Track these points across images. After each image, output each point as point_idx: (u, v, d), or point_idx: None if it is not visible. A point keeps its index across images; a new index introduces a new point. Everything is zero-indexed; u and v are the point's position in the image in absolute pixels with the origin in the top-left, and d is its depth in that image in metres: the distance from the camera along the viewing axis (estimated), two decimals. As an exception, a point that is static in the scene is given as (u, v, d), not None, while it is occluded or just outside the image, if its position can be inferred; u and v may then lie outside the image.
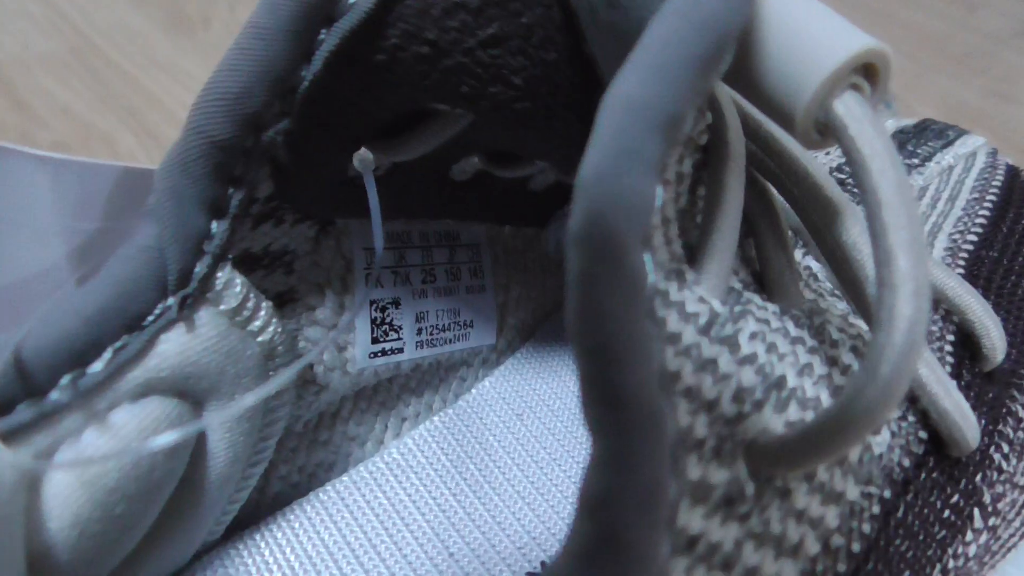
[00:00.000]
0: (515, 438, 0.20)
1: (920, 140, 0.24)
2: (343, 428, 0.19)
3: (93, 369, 0.13)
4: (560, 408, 0.21)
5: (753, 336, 0.11)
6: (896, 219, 0.09)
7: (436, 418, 0.20)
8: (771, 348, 0.12)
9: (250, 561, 0.17)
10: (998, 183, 0.22)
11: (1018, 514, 0.17)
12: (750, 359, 0.11)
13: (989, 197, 0.22)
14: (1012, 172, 0.23)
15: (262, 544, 0.17)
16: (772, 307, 0.13)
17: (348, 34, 0.13)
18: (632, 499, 0.08)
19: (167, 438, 0.12)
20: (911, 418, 0.14)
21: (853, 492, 0.12)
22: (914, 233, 0.09)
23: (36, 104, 0.33)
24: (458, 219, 0.20)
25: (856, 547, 0.12)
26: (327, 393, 0.18)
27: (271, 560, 0.17)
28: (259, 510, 0.18)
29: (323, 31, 0.13)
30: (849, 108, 0.10)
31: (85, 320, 0.13)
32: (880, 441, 0.13)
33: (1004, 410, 0.17)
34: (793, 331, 0.12)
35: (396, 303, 0.19)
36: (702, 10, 0.09)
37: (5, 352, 0.12)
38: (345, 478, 0.19)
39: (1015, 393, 0.17)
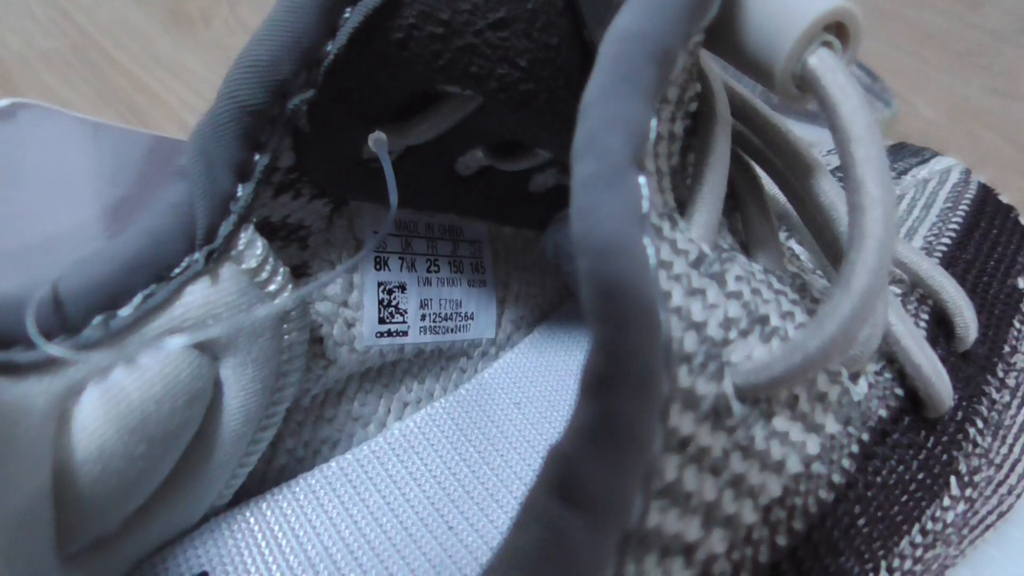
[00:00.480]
0: (513, 425, 0.21)
1: (897, 157, 0.25)
2: (348, 407, 0.20)
3: (123, 313, 0.14)
4: (557, 401, 0.22)
5: (739, 278, 0.12)
6: (865, 152, 0.10)
7: (438, 403, 0.21)
8: (755, 292, 0.13)
9: (256, 528, 0.17)
10: (970, 196, 0.24)
11: (995, 492, 0.18)
12: (736, 295, 0.12)
13: (962, 207, 0.23)
14: (985, 188, 0.24)
15: (268, 512, 0.18)
16: (757, 266, 0.14)
17: (371, 12, 0.14)
18: (628, 381, 0.09)
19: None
20: (888, 375, 0.15)
21: (833, 427, 0.13)
22: (881, 164, 0.10)
23: (38, 101, 0.34)
24: (461, 214, 0.21)
25: (837, 478, 0.13)
26: (334, 369, 0.18)
27: (276, 528, 0.17)
28: (265, 481, 0.18)
29: (348, 9, 0.14)
30: (822, 61, 0.11)
31: (119, 266, 0.14)
32: (859, 390, 0.14)
33: (979, 390, 0.18)
34: (776, 284, 0.13)
35: (402, 287, 0.20)
36: (691, -45, 0.10)
37: (40, 292, 0.13)
38: (348, 455, 0.19)
39: (989, 378, 0.18)
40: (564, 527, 0.09)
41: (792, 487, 0.12)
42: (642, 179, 0.10)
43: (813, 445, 0.12)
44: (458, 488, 0.19)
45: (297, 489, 0.18)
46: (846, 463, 0.13)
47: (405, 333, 0.20)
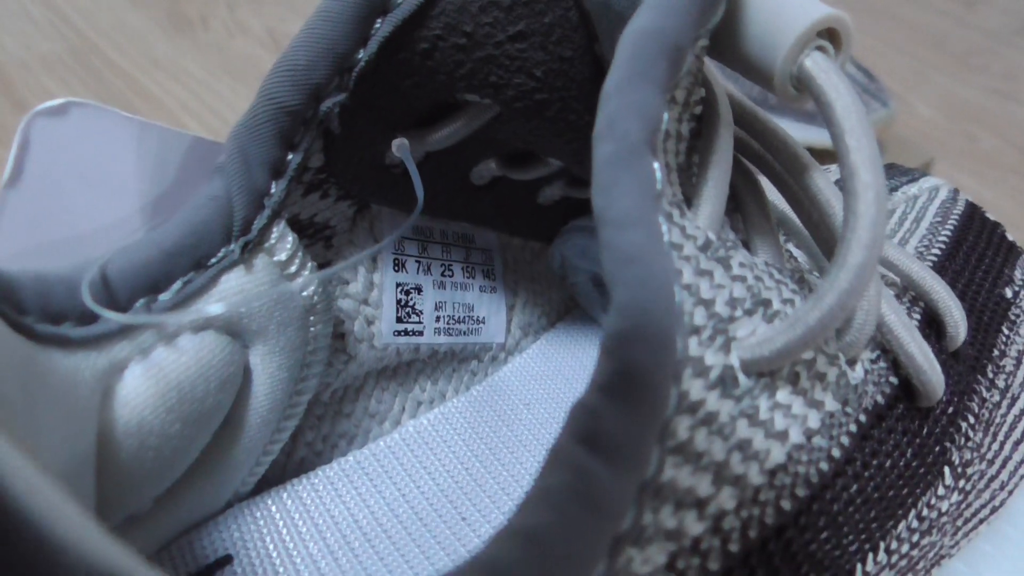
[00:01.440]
0: (522, 424, 0.22)
1: (888, 176, 0.26)
2: (365, 404, 0.20)
3: (163, 297, 0.15)
4: (564, 402, 0.23)
5: (742, 265, 0.13)
6: (858, 142, 0.12)
7: (450, 403, 0.22)
8: (758, 279, 0.14)
9: (277, 516, 0.18)
10: (959, 212, 0.25)
11: (987, 486, 0.19)
12: (741, 278, 0.13)
13: (951, 221, 0.24)
14: (972, 206, 0.26)
15: (288, 502, 0.18)
16: (758, 259, 0.15)
17: (400, 23, 0.15)
18: (645, 339, 0.10)
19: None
20: (883, 363, 0.15)
21: (832, 405, 0.13)
22: (872, 153, 0.11)
23: (37, 105, 0.34)
24: (474, 223, 0.22)
25: (836, 453, 0.13)
26: (354, 364, 0.19)
27: (296, 516, 0.18)
28: (285, 473, 0.19)
29: (379, 20, 0.15)
30: (817, 63, 0.12)
31: (161, 253, 0.15)
32: (855, 375, 0.15)
33: (970, 388, 0.18)
34: (777, 275, 0.14)
35: (418, 289, 0.20)
36: (699, -37, 0.11)
37: (89, 272, 0.14)
38: (365, 449, 0.20)
39: (979, 377, 0.19)
40: (589, 471, 0.09)
41: (795, 455, 0.12)
42: (656, 163, 0.11)
43: (814, 419, 0.13)
44: (470, 481, 0.20)
45: (316, 480, 0.19)
46: (844, 440, 0.14)
47: (421, 333, 0.21)
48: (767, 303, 0.13)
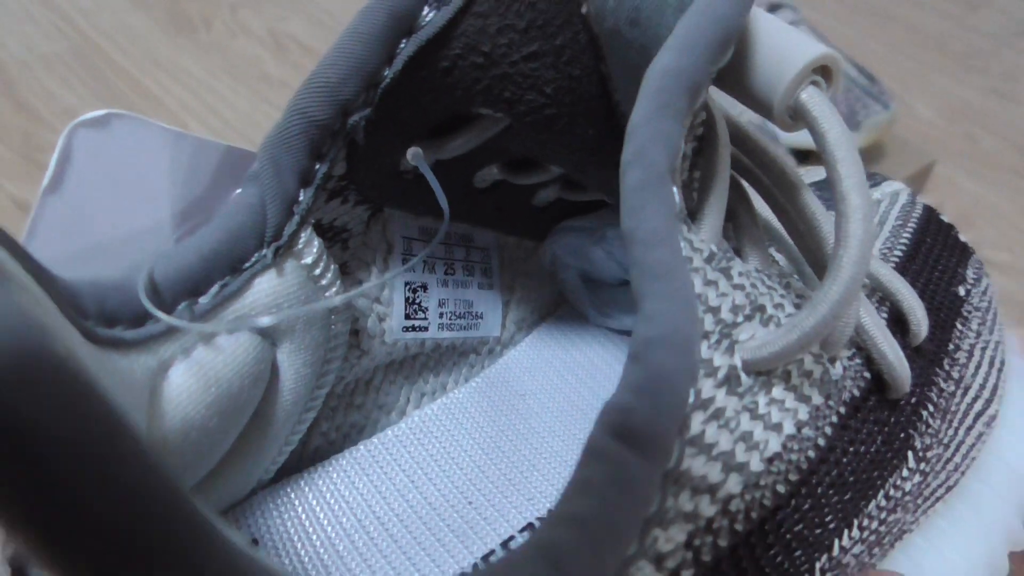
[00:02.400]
0: (517, 413, 0.23)
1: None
2: (374, 396, 0.21)
3: (203, 300, 0.16)
4: (556, 392, 0.24)
5: (740, 274, 0.15)
6: (848, 169, 0.13)
7: (452, 394, 0.23)
8: (754, 286, 0.15)
9: (297, 502, 0.19)
10: (917, 215, 0.27)
11: (944, 468, 0.21)
12: (740, 287, 0.14)
13: (910, 225, 0.26)
14: (929, 209, 0.28)
15: (306, 489, 0.19)
16: (750, 266, 0.16)
17: (423, 43, 0.16)
18: (673, 346, 0.11)
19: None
20: (858, 360, 0.17)
21: (817, 399, 0.15)
22: (861, 179, 0.13)
23: (39, 105, 0.34)
24: (474, 223, 0.23)
25: (821, 442, 0.15)
26: (367, 359, 0.20)
27: (314, 502, 0.19)
28: (302, 461, 0.20)
29: (404, 40, 0.16)
30: (811, 97, 0.14)
31: (200, 259, 0.16)
32: (836, 371, 0.16)
33: (930, 380, 0.20)
34: (767, 281, 0.16)
35: (424, 287, 0.22)
36: (716, 12, 0.12)
37: (141, 278, 0.15)
38: (375, 439, 0.21)
39: (937, 369, 0.21)
40: (623, 462, 0.11)
41: (788, 445, 0.14)
42: (674, 188, 0.13)
43: (803, 412, 0.15)
44: (474, 468, 0.21)
45: (331, 469, 0.20)
46: (828, 430, 0.15)
47: (426, 328, 0.22)
48: (762, 308, 0.15)
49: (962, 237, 0.28)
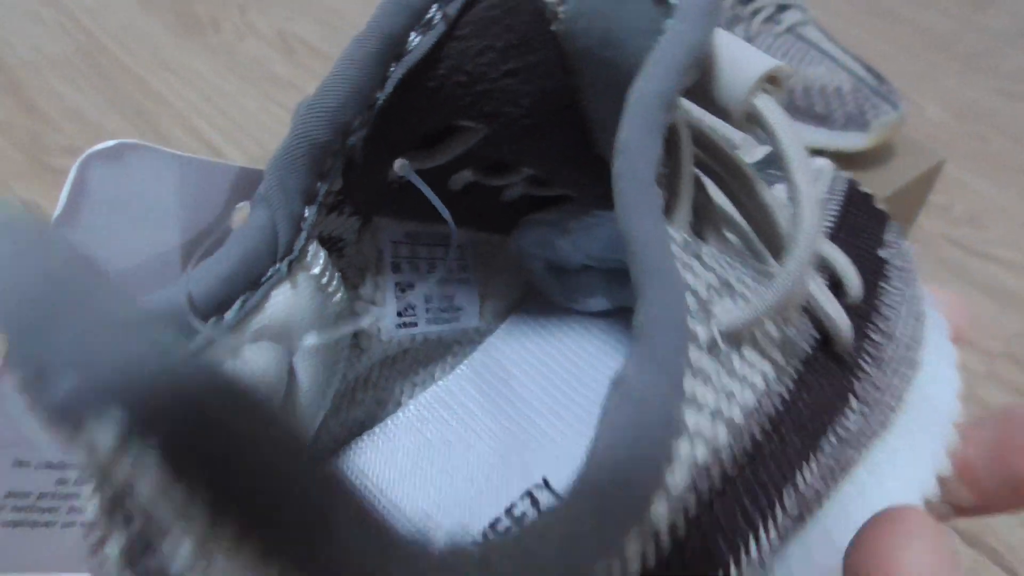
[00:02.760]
0: (501, 396, 0.25)
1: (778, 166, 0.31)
2: (373, 391, 0.23)
3: (228, 316, 0.17)
4: (535, 372, 0.26)
5: (709, 256, 0.17)
6: (798, 164, 0.15)
7: (440, 383, 0.25)
8: (721, 266, 0.17)
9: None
10: (841, 188, 0.30)
11: (880, 409, 0.24)
12: (711, 268, 0.17)
13: (836, 197, 0.29)
14: (850, 181, 0.31)
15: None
16: (713, 248, 0.19)
17: (412, 66, 0.18)
18: (669, 325, 0.14)
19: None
20: (807, 321, 0.20)
21: (779, 358, 0.18)
22: (808, 171, 0.15)
23: (46, 106, 0.33)
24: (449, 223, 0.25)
25: (786, 395, 0.18)
26: (366, 357, 0.22)
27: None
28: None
29: (394, 64, 0.18)
30: (764, 103, 0.16)
31: (222, 280, 0.17)
32: (792, 332, 0.19)
33: (864, 333, 0.23)
34: (728, 260, 0.18)
35: (412, 286, 0.23)
36: (689, 39, 0.15)
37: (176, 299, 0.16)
38: (376, 430, 0.23)
39: (870, 324, 0.24)
40: (644, 402, 0.13)
41: (761, 400, 0.16)
42: (659, 191, 0.15)
43: (769, 370, 0.17)
44: (465, 449, 0.23)
45: (339, 461, 0.22)
46: (789, 384, 0.18)
47: (416, 324, 0.23)
48: (729, 284, 0.17)
49: (879, 205, 0.31)
